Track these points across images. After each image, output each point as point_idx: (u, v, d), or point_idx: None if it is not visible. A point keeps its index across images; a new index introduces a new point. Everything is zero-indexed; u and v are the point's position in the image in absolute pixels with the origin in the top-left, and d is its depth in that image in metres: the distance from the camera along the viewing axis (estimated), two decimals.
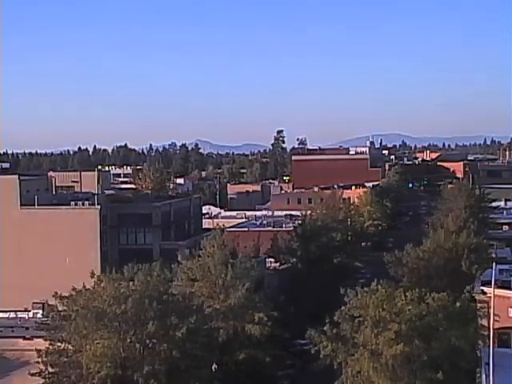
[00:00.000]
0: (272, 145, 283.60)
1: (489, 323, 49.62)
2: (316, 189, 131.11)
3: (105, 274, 50.18)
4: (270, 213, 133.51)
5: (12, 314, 69.74)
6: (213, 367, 54.35)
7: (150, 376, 45.56)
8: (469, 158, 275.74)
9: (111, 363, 44.58)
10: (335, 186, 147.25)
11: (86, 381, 44.91)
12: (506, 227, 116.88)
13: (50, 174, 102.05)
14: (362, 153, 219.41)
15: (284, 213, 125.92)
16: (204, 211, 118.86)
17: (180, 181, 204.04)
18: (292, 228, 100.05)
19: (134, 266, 50.66)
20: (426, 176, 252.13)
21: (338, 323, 50.89)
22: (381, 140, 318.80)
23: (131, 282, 47.60)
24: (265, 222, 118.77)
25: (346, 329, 49.92)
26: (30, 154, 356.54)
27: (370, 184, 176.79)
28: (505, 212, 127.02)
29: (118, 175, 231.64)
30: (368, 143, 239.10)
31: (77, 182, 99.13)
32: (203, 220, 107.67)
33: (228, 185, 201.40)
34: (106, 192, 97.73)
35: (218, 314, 58.82)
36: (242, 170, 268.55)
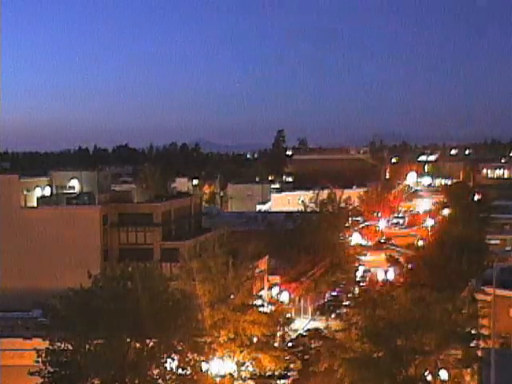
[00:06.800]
0: (272, 145, 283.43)
1: (489, 323, 49.63)
2: (316, 188, 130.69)
3: (104, 273, 50.10)
4: (271, 212, 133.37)
5: (12, 314, 69.59)
6: None
7: (148, 376, 45.55)
8: (469, 158, 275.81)
9: (110, 363, 44.55)
10: (336, 186, 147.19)
11: (85, 381, 44.90)
12: (506, 227, 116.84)
13: (50, 173, 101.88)
14: (362, 152, 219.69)
15: (284, 213, 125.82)
16: (204, 211, 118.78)
17: (181, 180, 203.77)
18: (292, 228, 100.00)
19: (132, 264, 50.48)
20: (427, 176, 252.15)
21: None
22: (381, 140, 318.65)
23: (129, 281, 47.54)
24: (265, 221, 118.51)
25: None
26: (30, 153, 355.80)
27: (371, 183, 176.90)
28: (505, 212, 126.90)
29: (119, 175, 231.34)
30: (368, 143, 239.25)
31: (77, 181, 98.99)
32: (203, 220, 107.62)
33: (228, 184, 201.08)
34: (106, 192, 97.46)
35: (218, 313, 58.81)
36: (242, 170, 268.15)
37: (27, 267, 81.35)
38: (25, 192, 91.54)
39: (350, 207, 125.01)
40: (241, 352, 58.39)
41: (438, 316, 49.10)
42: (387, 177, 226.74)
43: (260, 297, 69.63)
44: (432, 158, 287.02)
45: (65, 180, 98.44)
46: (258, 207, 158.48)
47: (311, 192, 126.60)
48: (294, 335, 77.20)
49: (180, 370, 46.46)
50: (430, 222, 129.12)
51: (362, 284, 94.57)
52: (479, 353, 50.09)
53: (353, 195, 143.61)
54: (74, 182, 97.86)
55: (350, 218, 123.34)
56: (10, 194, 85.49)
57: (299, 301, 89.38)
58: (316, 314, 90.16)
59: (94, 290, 47.08)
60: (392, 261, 79.05)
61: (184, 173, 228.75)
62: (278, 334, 68.12)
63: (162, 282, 49.36)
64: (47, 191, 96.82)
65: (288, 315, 70.76)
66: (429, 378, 50.27)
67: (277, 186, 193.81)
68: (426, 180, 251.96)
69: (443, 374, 49.96)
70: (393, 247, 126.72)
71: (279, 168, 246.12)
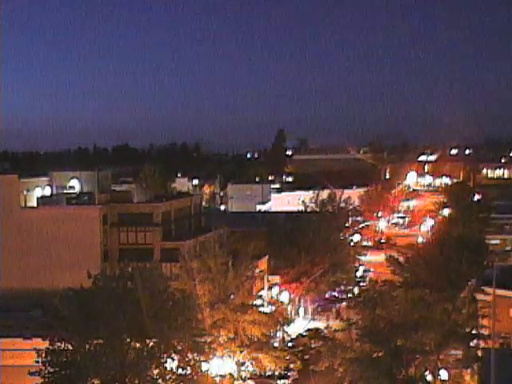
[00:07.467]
0: (272, 145, 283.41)
1: (489, 323, 49.63)
2: (316, 188, 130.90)
3: (104, 273, 50.10)
4: (271, 212, 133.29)
5: (12, 314, 69.57)
6: None
7: (148, 376, 45.56)
8: (469, 158, 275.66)
9: (110, 363, 44.57)
10: (336, 186, 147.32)
11: (85, 381, 44.91)
12: (506, 227, 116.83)
13: (51, 173, 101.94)
14: (362, 152, 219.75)
15: (284, 213, 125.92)
16: (204, 211, 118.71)
17: (180, 180, 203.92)
18: (292, 228, 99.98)
19: (132, 264, 50.53)
20: (427, 176, 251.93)
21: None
22: (381, 140, 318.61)
23: (129, 281, 47.57)
24: (265, 221, 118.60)
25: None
26: (30, 153, 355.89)
27: (371, 183, 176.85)
28: (505, 212, 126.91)
29: (119, 175, 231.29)
30: (368, 143, 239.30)
31: (77, 181, 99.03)
32: (203, 220, 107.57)
33: (228, 184, 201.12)
34: (106, 192, 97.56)
35: (218, 313, 58.83)
36: (242, 170, 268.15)
37: (27, 267, 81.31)
38: (25, 192, 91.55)
39: (350, 207, 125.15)
40: (241, 352, 58.42)
41: (438, 316, 49.17)
42: (387, 177, 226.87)
43: (260, 297, 69.70)
44: (432, 157, 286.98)
45: (65, 180, 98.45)
46: (258, 207, 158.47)
47: (311, 192, 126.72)
48: (294, 335, 77.18)
49: (180, 370, 46.50)
50: (429, 222, 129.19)
51: (362, 284, 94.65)
52: (479, 353, 50.09)
53: (353, 195, 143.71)
54: (74, 182, 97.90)
55: (349, 218, 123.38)
56: (10, 194, 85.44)
57: (299, 301, 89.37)
58: (316, 314, 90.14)
59: (93, 290, 47.10)
60: (392, 261, 78.95)
61: (184, 173, 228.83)
62: (279, 334, 68.20)
63: (161, 282, 49.38)
64: (47, 191, 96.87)
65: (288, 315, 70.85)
66: (429, 378, 50.30)
67: (277, 185, 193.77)
68: (426, 180, 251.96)
69: (443, 374, 49.99)
70: (393, 247, 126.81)
71: (279, 168, 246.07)
